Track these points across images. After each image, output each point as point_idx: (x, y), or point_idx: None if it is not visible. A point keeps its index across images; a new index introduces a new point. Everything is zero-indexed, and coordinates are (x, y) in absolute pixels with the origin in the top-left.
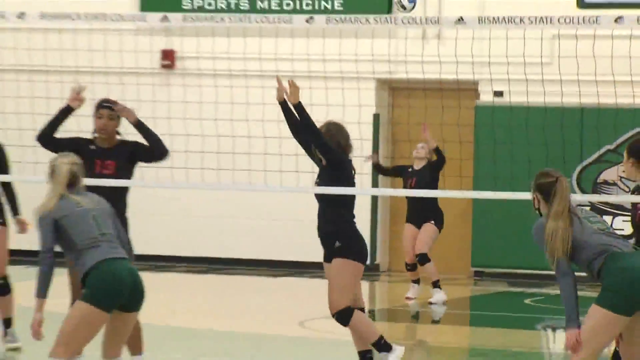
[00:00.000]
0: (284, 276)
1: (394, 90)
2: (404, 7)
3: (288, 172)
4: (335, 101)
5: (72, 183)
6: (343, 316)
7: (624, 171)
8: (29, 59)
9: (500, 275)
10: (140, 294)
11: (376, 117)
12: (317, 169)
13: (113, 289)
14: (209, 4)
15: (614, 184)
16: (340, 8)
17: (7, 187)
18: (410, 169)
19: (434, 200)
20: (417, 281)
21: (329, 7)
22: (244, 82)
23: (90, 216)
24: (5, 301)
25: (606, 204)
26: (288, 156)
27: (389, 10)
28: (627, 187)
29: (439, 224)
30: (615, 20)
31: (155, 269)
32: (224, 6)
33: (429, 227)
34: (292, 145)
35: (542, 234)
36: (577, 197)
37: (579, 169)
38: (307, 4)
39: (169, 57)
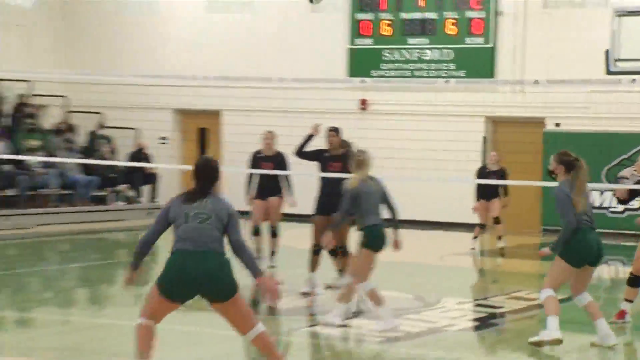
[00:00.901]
0: None
1: (496, 123)
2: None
3: None
4: (463, 129)
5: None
6: None
7: (635, 170)
8: (275, 103)
9: None
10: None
11: (485, 139)
12: None
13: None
14: (387, 73)
15: (627, 177)
16: (464, 75)
17: (287, 178)
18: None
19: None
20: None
21: (457, 74)
22: (407, 118)
23: (372, 194)
24: None
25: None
26: None
27: (492, 75)
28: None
29: None
30: (632, 81)
31: None
32: (395, 74)
33: None
34: None
35: (564, 199)
36: (603, 186)
37: (606, 169)
38: (444, 73)
39: (363, 103)
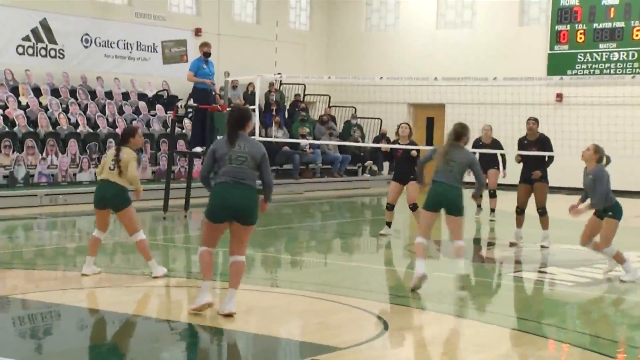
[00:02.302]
0: None
1: None
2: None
3: None
4: None
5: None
6: None
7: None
8: (489, 98)
9: None
10: None
11: None
12: None
13: None
14: (580, 72)
15: None
16: None
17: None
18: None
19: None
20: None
21: None
22: (598, 108)
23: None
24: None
25: None
26: None
27: None
28: None
29: None
30: None
31: None
32: (587, 72)
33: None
34: None
35: (607, 179)
36: None
37: None
38: (629, 70)
39: (559, 97)
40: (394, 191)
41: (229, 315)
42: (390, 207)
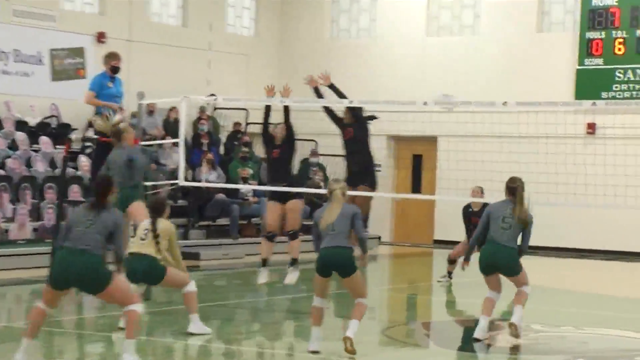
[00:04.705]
0: None
1: None
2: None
3: None
4: None
5: None
6: None
7: None
8: (496, 128)
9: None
10: None
11: None
12: None
13: None
14: (619, 95)
15: None
16: None
17: None
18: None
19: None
20: None
21: None
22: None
23: None
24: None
25: None
26: None
27: None
28: None
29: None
30: None
31: None
32: (628, 95)
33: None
34: None
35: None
36: None
37: None
38: None
39: (591, 127)
40: (274, 213)
41: None
42: (271, 236)
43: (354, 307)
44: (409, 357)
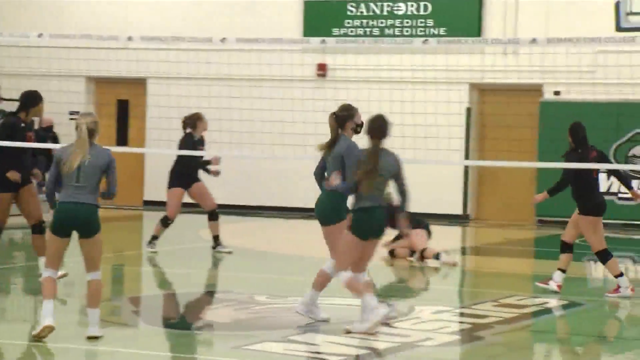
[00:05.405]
0: None
1: (482, 91)
2: None
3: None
4: (443, 99)
5: None
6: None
7: None
8: (215, 69)
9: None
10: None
11: (469, 110)
12: None
13: None
14: (351, 31)
15: None
16: (445, 33)
17: None
18: None
19: None
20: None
21: (436, 32)
22: (377, 86)
23: None
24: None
25: (633, 171)
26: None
27: (479, 34)
28: None
29: None
30: None
31: None
32: (361, 32)
33: None
34: None
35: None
36: (613, 166)
37: (614, 146)
38: (421, 31)
39: (322, 69)
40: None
41: None
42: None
43: (89, 289)
44: (113, 337)
